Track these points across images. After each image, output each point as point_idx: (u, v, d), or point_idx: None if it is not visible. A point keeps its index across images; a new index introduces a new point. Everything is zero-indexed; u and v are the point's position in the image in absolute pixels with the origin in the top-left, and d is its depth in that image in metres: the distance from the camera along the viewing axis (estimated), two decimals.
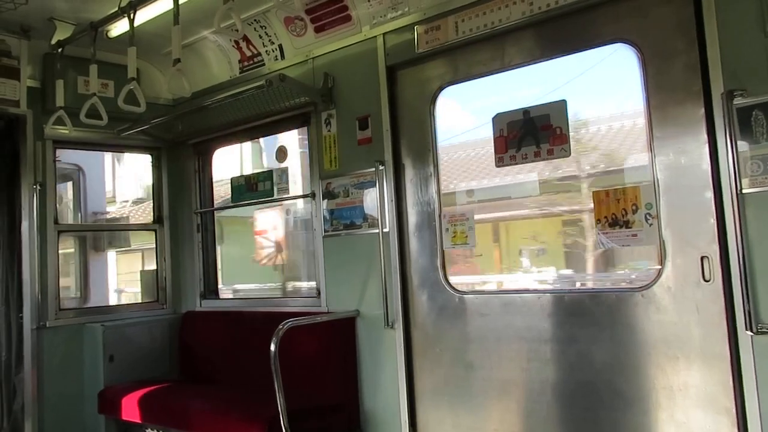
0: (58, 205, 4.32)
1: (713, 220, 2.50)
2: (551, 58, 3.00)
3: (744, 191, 2.39)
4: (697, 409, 2.53)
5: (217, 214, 4.79)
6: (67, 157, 5.53)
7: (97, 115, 3.74)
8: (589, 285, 4.22)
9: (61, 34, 3.90)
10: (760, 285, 2.35)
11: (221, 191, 5.05)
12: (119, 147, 4.70)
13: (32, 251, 4.02)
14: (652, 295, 2.65)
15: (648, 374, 2.65)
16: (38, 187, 4.07)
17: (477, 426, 3.15)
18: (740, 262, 2.36)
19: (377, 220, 3.47)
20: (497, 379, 3.09)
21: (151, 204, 4.82)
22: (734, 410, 2.44)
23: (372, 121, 3.55)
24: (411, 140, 3.45)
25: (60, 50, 3.93)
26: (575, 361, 2.86)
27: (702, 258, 2.53)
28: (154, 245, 4.72)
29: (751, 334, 2.35)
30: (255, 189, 4.28)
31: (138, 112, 3.60)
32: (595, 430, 2.79)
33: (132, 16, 3.48)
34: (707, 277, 2.52)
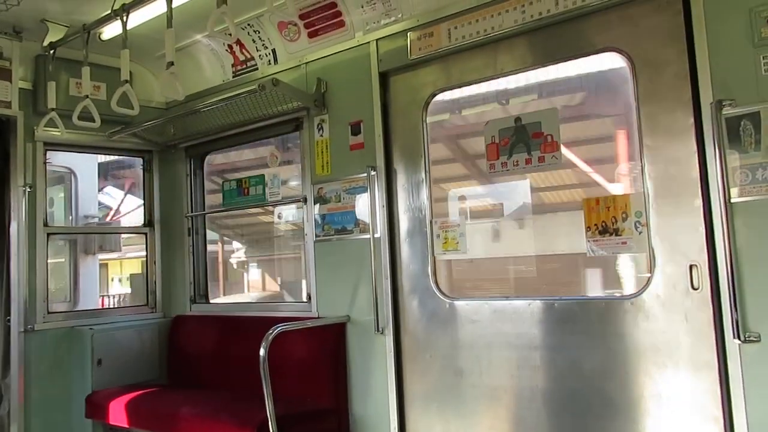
0: (48, 209, 4.29)
1: (702, 229, 2.52)
2: (543, 66, 3.01)
3: (732, 200, 2.41)
4: (686, 418, 2.53)
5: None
6: (59, 160, 5.50)
7: (89, 118, 3.73)
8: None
9: (54, 35, 3.89)
10: (748, 293, 2.36)
11: None
12: (111, 150, 4.68)
13: (21, 253, 3.99)
14: (641, 303, 2.66)
15: (637, 382, 2.66)
16: (28, 189, 4.04)
17: None
18: (728, 270, 2.37)
19: (368, 225, 3.47)
20: (487, 386, 3.09)
21: (142, 207, 4.80)
22: (722, 419, 2.45)
23: (364, 127, 3.55)
24: (403, 146, 3.46)
25: (52, 52, 3.92)
26: (565, 369, 2.86)
27: (691, 266, 2.55)
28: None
29: (739, 342, 2.36)
30: (246, 193, 4.28)
31: (131, 114, 3.58)
32: None
33: (125, 18, 3.47)
34: (696, 286, 2.53)
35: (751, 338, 2.34)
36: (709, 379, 2.48)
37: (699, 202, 2.53)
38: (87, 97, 3.72)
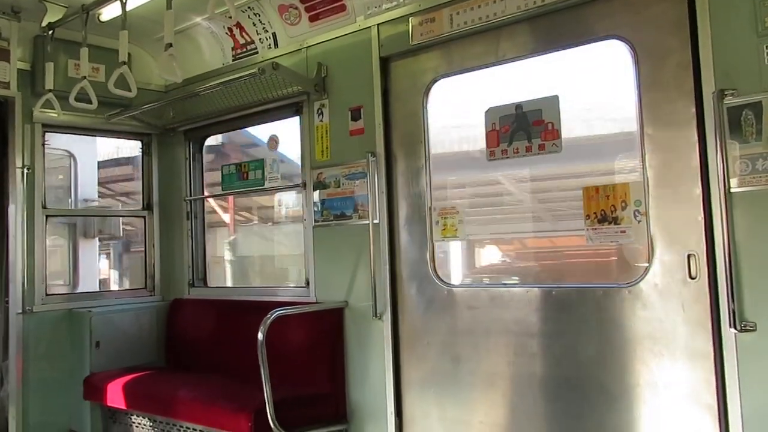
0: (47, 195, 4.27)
1: (701, 219, 2.52)
2: (545, 53, 3.00)
3: (732, 190, 2.40)
4: (681, 406, 2.55)
5: None
6: (59, 143, 5.49)
7: (87, 99, 3.71)
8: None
9: (52, 16, 3.86)
10: (745, 283, 2.37)
11: None
12: (109, 132, 4.66)
13: (19, 235, 3.99)
14: (638, 292, 2.67)
15: (633, 370, 2.67)
16: (26, 171, 4.03)
17: (463, 418, 3.17)
18: (726, 260, 2.38)
19: (368, 211, 3.46)
20: (484, 372, 3.11)
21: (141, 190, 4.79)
22: (717, 407, 2.47)
23: (364, 112, 3.54)
24: (403, 132, 3.44)
25: (51, 33, 3.89)
26: (561, 356, 2.87)
27: (689, 256, 2.55)
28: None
29: (735, 331, 2.37)
30: (246, 177, 4.27)
31: (129, 96, 3.57)
32: (580, 425, 2.81)
33: None
34: (693, 275, 2.54)
35: (747, 328, 2.35)
36: (705, 368, 2.49)
37: (699, 191, 2.53)
38: (85, 78, 3.69)
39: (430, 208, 3.33)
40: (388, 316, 3.39)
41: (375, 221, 3.44)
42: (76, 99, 3.72)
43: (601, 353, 2.76)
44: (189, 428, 3.58)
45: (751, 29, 2.39)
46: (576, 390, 2.82)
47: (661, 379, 2.60)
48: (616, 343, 2.72)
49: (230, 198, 5.80)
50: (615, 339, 2.72)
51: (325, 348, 3.57)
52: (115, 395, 3.80)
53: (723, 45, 2.44)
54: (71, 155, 5.89)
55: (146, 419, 3.83)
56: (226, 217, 6.28)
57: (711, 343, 2.48)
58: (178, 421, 3.61)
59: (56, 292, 4.60)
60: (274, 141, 4.18)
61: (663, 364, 2.60)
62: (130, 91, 3.49)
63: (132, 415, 3.90)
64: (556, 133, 2.92)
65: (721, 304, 2.43)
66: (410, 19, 3.34)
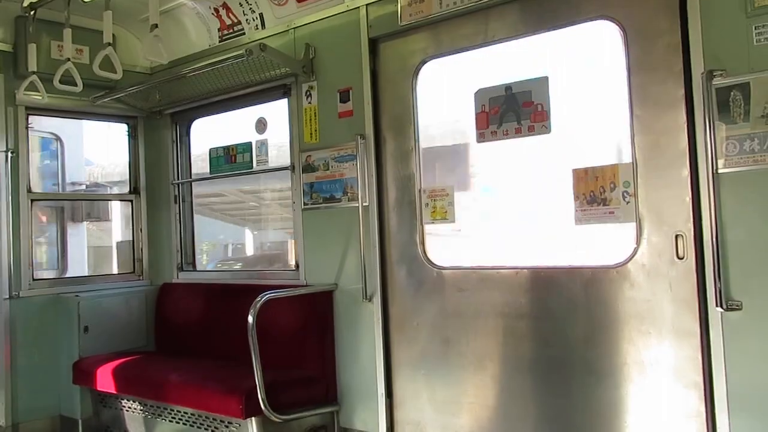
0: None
1: (689, 199, 2.53)
2: (534, 34, 2.98)
3: (720, 171, 2.42)
4: (667, 384, 2.59)
5: None
6: (45, 125, 5.42)
7: (71, 82, 3.65)
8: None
9: None
10: (731, 263, 2.39)
11: None
12: (94, 115, 4.60)
13: (4, 220, 3.94)
14: (626, 272, 2.69)
15: (620, 349, 2.70)
16: (10, 155, 3.97)
17: (452, 399, 3.20)
18: (713, 240, 2.40)
19: (357, 194, 3.45)
20: (473, 353, 3.13)
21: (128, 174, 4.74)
22: (702, 385, 2.51)
23: (353, 94, 3.51)
24: (392, 114, 3.43)
25: (33, 13, 3.80)
26: (550, 336, 2.90)
27: (676, 236, 2.57)
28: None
29: (721, 310, 2.40)
30: (234, 161, 4.23)
31: (114, 78, 3.52)
32: (569, 404, 2.85)
33: None
34: (681, 255, 2.56)
35: (733, 306, 2.38)
36: (691, 346, 2.53)
37: (686, 172, 2.54)
38: (69, 60, 3.63)
39: (419, 191, 3.32)
40: (377, 299, 3.40)
41: (364, 204, 3.43)
42: (61, 81, 3.65)
43: (589, 333, 2.78)
44: (180, 411, 3.58)
45: (740, 10, 2.39)
46: (564, 369, 2.85)
47: (648, 357, 2.63)
48: (604, 322, 2.75)
49: None
50: (603, 319, 2.75)
51: (315, 330, 3.57)
52: (104, 380, 3.79)
53: (713, 25, 2.44)
54: (57, 138, 5.81)
55: (136, 403, 3.83)
56: None
57: (697, 322, 2.51)
58: (169, 405, 3.61)
59: (43, 277, 4.56)
60: (261, 123, 4.14)
61: (650, 343, 2.63)
62: (115, 72, 3.44)
63: (122, 399, 3.90)
64: (545, 115, 2.92)
65: (707, 284, 2.46)
66: None
